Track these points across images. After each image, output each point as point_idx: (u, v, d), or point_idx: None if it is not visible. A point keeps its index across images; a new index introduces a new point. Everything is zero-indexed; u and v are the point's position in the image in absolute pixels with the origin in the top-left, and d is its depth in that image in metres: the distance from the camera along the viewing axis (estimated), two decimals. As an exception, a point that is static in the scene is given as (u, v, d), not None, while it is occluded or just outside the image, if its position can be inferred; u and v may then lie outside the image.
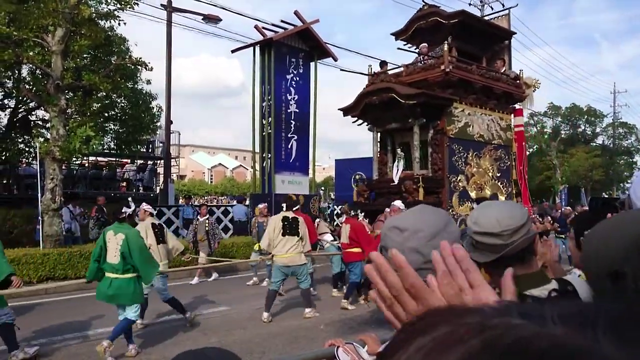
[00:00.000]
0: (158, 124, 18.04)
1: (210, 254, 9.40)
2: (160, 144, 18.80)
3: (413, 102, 8.38)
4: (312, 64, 12.02)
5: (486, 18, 11.12)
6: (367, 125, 10.00)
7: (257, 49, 10.92)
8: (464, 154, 9.39)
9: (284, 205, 6.60)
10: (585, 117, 38.12)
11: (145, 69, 11.90)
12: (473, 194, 9.46)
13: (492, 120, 10.09)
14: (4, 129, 15.95)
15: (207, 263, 8.91)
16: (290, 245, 6.23)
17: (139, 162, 20.14)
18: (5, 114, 16.17)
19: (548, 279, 1.37)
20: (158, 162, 19.64)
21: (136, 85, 16.68)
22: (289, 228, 6.31)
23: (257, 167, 12.07)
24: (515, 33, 10.94)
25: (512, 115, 10.68)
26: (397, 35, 10.66)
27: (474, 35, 10.00)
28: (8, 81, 15.02)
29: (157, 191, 17.74)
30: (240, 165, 66.64)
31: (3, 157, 15.74)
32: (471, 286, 0.61)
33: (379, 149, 10.02)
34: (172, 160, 17.58)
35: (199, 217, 9.64)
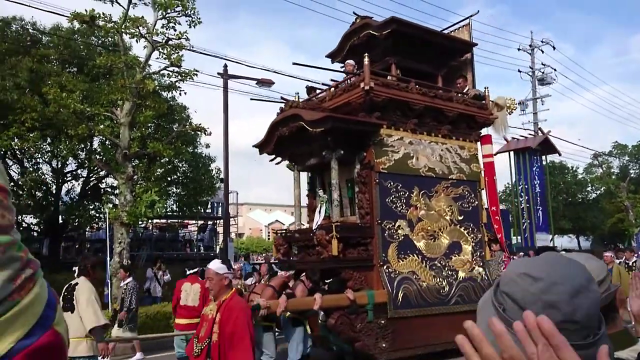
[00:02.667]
0: (217, 185, 19.16)
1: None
2: (220, 204, 20.02)
3: (321, 130, 6.57)
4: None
5: (446, 31, 9.32)
6: (287, 163, 8.22)
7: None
8: (405, 193, 7.36)
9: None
10: (655, 154, 34.74)
11: (204, 134, 13.32)
12: (421, 244, 7.34)
13: (448, 150, 8.06)
14: (77, 197, 17.73)
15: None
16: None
17: (200, 222, 21.60)
18: (79, 183, 18.04)
19: (635, 338, 1.33)
20: (217, 221, 20.91)
21: (196, 150, 17.85)
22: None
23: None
24: (476, 44, 9.04)
25: (479, 143, 8.61)
26: (332, 56, 9.01)
27: (420, 49, 8.20)
28: (81, 153, 16.59)
29: (217, 250, 18.16)
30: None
31: (76, 223, 17.36)
32: None
33: (301, 192, 8.14)
34: (230, 219, 18.33)
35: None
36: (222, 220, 18.18)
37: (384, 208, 7.08)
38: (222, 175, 17.02)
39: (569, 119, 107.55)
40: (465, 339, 0.65)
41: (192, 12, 12.55)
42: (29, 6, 11.61)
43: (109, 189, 17.90)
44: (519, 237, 23.15)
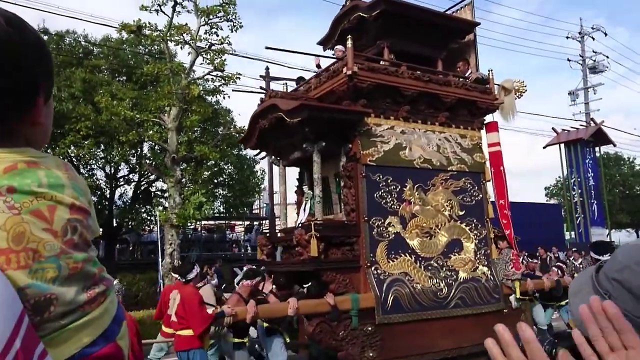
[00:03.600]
0: (262, 185, 19.89)
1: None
2: (265, 205, 20.96)
3: (298, 120, 6.03)
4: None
5: (449, 12, 8.61)
6: (271, 158, 7.72)
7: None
8: (397, 188, 6.74)
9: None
10: None
11: None
12: (415, 243, 6.71)
13: (447, 139, 7.37)
14: (129, 201, 18.56)
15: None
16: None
17: (246, 223, 22.38)
18: (130, 187, 18.94)
19: None
20: (264, 222, 21.37)
21: (241, 152, 18.33)
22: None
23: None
24: (479, 24, 8.26)
25: (483, 131, 7.88)
26: (324, 43, 8.45)
27: (415, 31, 7.54)
28: (132, 158, 17.51)
29: None
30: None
31: (129, 226, 18.27)
32: (625, 348, 0.61)
33: (287, 188, 7.62)
34: (276, 219, 19.71)
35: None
36: (267, 221, 18.36)
37: (372, 204, 6.48)
38: (267, 176, 17.32)
39: (625, 108, 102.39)
40: (494, 343, 0.69)
41: (234, 17, 13.21)
42: (81, 19, 13.16)
43: (159, 192, 18.52)
44: (572, 233, 21.97)
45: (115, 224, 18.42)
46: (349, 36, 6.59)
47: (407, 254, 6.59)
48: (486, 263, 7.27)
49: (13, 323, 0.62)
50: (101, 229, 18.88)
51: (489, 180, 7.72)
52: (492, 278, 7.19)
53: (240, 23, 13.29)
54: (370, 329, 6.03)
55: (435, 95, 7.16)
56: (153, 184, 18.97)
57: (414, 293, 6.40)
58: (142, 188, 18.76)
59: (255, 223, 21.98)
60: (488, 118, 7.96)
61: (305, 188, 7.03)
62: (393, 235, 6.55)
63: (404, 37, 7.56)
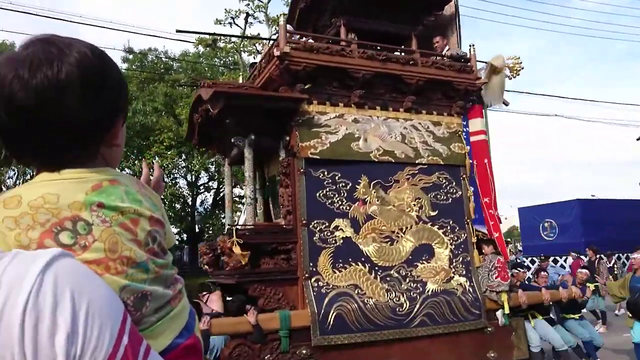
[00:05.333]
0: None
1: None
2: None
3: (218, 110, 5.25)
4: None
5: None
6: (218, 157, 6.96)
7: None
8: (347, 185, 5.78)
9: None
10: None
11: None
12: (370, 249, 5.71)
13: (415, 128, 6.31)
14: (209, 207, 19.43)
15: None
16: None
17: None
18: (210, 194, 19.80)
19: None
20: None
21: None
22: None
23: None
24: (458, -7, 7.11)
25: (463, 116, 6.73)
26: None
27: (380, 5, 6.57)
28: (211, 166, 18.00)
29: None
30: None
31: (210, 232, 19.02)
32: None
33: (233, 189, 6.82)
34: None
35: None
36: None
37: (314, 204, 5.56)
38: None
39: None
40: None
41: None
42: (161, 37, 13.54)
43: (236, 199, 19.49)
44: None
45: (197, 230, 19.10)
46: (282, 13, 5.73)
47: (359, 263, 5.61)
48: (464, 272, 6.13)
49: (120, 320, 0.68)
50: (185, 235, 19.48)
51: (472, 174, 6.56)
52: (471, 290, 6.04)
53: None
54: (305, 352, 5.10)
55: (397, 77, 6.13)
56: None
57: (364, 309, 5.41)
58: (221, 195, 19.52)
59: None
60: (471, 102, 6.79)
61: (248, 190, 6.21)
62: (341, 241, 5.60)
63: (366, 14, 6.60)
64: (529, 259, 18.30)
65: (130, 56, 17.78)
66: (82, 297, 0.63)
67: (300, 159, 5.57)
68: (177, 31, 6.31)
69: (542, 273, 7.59)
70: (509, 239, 33.62)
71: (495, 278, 6.07)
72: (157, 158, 15.26)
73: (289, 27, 6.30)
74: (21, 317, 0.59)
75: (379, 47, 6.16)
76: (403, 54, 6.30)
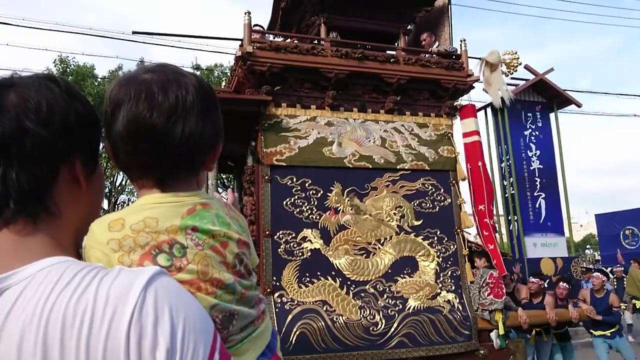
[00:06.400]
0: None
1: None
2: None
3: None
4: (552, 115, 10.63)
5: None
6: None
7: (489, 110, 10.01)
8: (317, 193, 5.36)
9: None
10: None
11: None
12: (343, 262, 5.25)
13: (397, 130, 5.83)
14: None
15: None
16: None
17: None
18: None
19: None
20: None
21: None
22: None
23: (504, 230, 11.07)
24: (449, -15, 6.58)
25: (454, 117, 6.18)
26: (270, 27, 7.34)
27: (365, 3, 6.18)
28: None
29: None
30: (484, 230, 64.41)
31: None
32: None
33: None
34: None
35: None
36: None
37: (280, 214, 5.19)
38: None
39: None
40: None
41: None
42: (226, 53, 13.41)
43: None
44: None
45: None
46: (247, 11, 5.43)
47: (328, 277, 5.17)
48: (453, 288, 5.55)
49: (211, 337, 0.70)
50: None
51: (465, 179, 5.99)
52: (460, 308, 5.45)
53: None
54: (263, 374, 4.69)
55: (376, 76, 5.70)
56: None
57: (332, 328, 4.95)
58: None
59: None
60: (464, 101, 6.24)
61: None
62: (309, 254, 5.18)
63: (349, 12, 6.20)
64: (609, 269, 17.21)
65: (198, 72, 17.91)
66: (179, 313, 0.66)
67: (265, 165, 5.22)
68: (134, 32, 6.11)
69: (562, 284, 6.67)
70: (588, 247, 31.49)
71: (488, 295, 5.46)
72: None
73: (258, 27, 6.03)
74: (127, 331, 0.62)
75: (358, 45, 5.77)
76: (381, 52, 5.85)
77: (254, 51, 5.18)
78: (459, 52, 6.16)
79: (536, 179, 10.47)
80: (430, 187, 5.79)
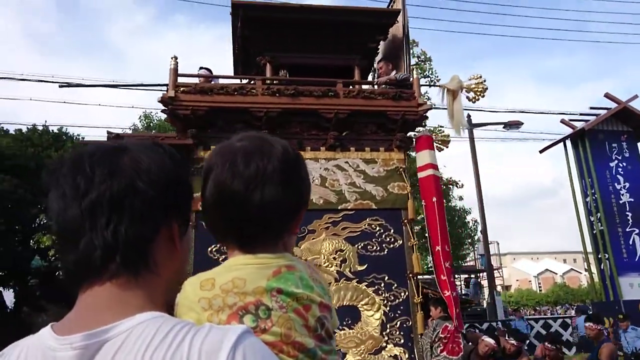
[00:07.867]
0: (475, 237, 19.28)
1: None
2: (480, 257, 19.78)
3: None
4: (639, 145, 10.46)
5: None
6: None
7: (569, 142, 10.07)
8: (246, 238, 5.07)
9: None
10: None
11: (456, 187, 14.20)
12: (272, 313, 4.87)
13: (339, 168, 5.44)
14: None
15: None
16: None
17: (464, 276, 21.69)
18: None
19: None
20: (481, 275, 20.50)
21: (449, 203, 17.83)
22: None
23: (594, 269, 10.73)
24: (399, 11, 6.15)
25: (407, 150, 5.68)
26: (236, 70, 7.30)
27: (313, 39, 5.98)
28: None
29: (484, 305, 17.75)
30: (572, 269, 60.11)
31: None
32: None
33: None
34: (494, 271, 17.75)
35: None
36: (484, 273, 17.34)
37: (204, 261, 4.93)
38: (479, 227, 16.43)
39: None
40: None
41: (430, 72, 13.32)
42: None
43: None
44: None
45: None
46: (174, 56, 5.37)
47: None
48: (402, 341, 4.96)
49: None
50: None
51: (421, 216, 5.44)
52: (408, 364, 4.83)
53: (438, 77, 12.97)
54: None
55: (314, 112, 5.40)
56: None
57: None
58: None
59: (472, 276, 20.79)
60: (419, 133, 5.74)
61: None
62: (234, 304, 4.85)
63: (298, 49, 6.02)
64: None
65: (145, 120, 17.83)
66: None
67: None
68: (61, 86, 6.16)
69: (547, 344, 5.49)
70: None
71: (441, 352, 4.80)
72: None
73: (204, 70, 5.96)
74: None
75: (304, 81, 5.53)
76: (317, 87, 5.55)
77: (176, 95, 5.09)
78: (411, 80, 5.73)
79: (627, 213, 9.95)
80: (377, 228, 5.30)
